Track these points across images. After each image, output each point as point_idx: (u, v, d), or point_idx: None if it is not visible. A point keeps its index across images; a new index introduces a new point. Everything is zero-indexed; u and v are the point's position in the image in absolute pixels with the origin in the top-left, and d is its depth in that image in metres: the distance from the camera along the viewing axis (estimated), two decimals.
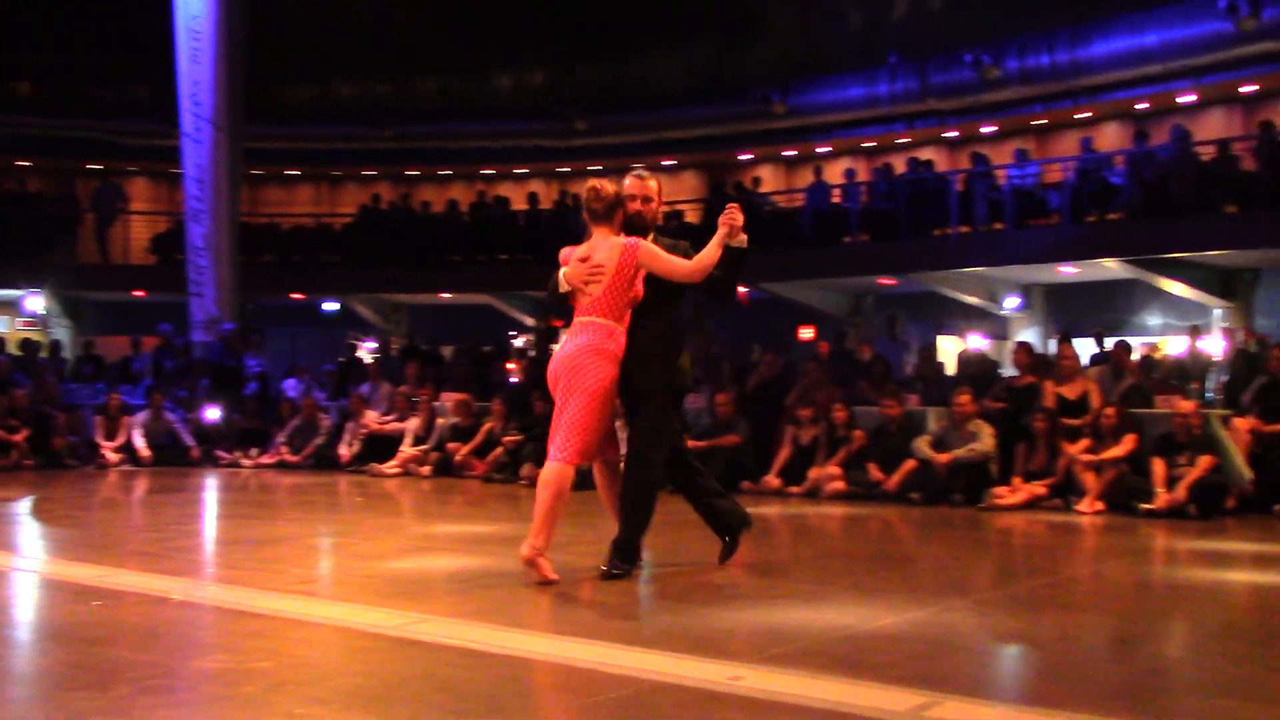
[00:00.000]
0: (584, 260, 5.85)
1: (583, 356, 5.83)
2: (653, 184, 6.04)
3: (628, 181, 6.06)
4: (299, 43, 25.75)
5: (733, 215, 5.75)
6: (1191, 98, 20.38)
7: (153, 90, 23.76)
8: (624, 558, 5.83)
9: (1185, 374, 13.56)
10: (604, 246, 5.83)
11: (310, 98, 27.96)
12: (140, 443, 13.89)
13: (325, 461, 13.83)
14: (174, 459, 13.95)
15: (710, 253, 5.74)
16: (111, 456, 13.77)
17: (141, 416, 14.21)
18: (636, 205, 5.99)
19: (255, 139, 21.68)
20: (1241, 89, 19.94)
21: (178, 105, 18.38)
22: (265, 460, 14.08)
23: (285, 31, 24.48)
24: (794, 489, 10.67)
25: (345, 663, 4.17)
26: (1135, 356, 13.01)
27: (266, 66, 23.22)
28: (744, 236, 5.80)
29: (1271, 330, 17.55)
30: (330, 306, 24.25)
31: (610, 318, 5.82)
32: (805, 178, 23.17)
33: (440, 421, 13.31)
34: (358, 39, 26.57)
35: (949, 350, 18.54)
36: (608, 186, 5.96)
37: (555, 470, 5.79)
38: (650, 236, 6.01)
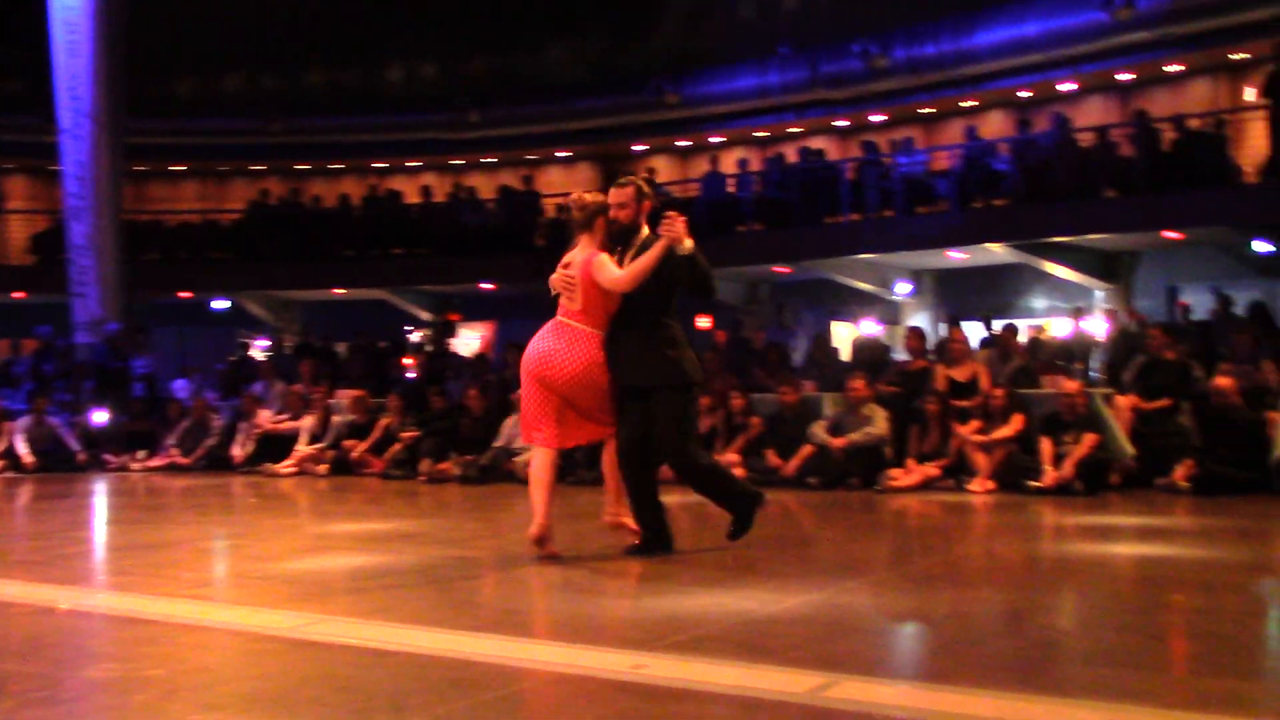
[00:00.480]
0: (565, 267, 6.12)
1: (594, 370, 6.04)
2: (629, 190, 6.14)
3: (611, 191, 6.22)
4: (183, 34, 25.14)
5: (671, 225, 5.87)
6: (1071, 86, 20.96)
7: (28, 85, 22.97)
8: (743, 526, 6.34)
9: (1070, 355, 13.94)
10: (580, 257, 6.07)
11: (195, 91, 27.30)
12: (23, 449, 13.47)
13: (218, 463, 13.55)
14: (59, 464, 13.55)
15: (643, 263, 5.90)
16: None
17: (23, 421, 13.78)
18: (615, 213, 6.13)
19: (138, 134, 21.09)
20: (1118, 77, 20.55)
21: (55, 100, 17.82)
22: (155, 463, 13.75)
23: (168, 23, 23.88)
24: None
25: (241, 667, 4.10)
26: (1022, 339, 13.35)
27: (149, 59, 22.59)
28: (689, 242, 5.93)
29: (1150, 310, 18.17)
30: (220, 304, 23.75)
31: (589, 324, 6.05)
32: (699, 168, 23.32)
33: (336, 419, 13.13)
34: (244, 30, 26.01)
35: (843, 336, 18.84)
36: (588, 197, 6.21)
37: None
38: (639, 238, 6.09)
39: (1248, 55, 18.81)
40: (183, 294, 22.81)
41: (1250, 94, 17.47)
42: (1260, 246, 17.11)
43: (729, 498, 6.43)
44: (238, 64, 27.32)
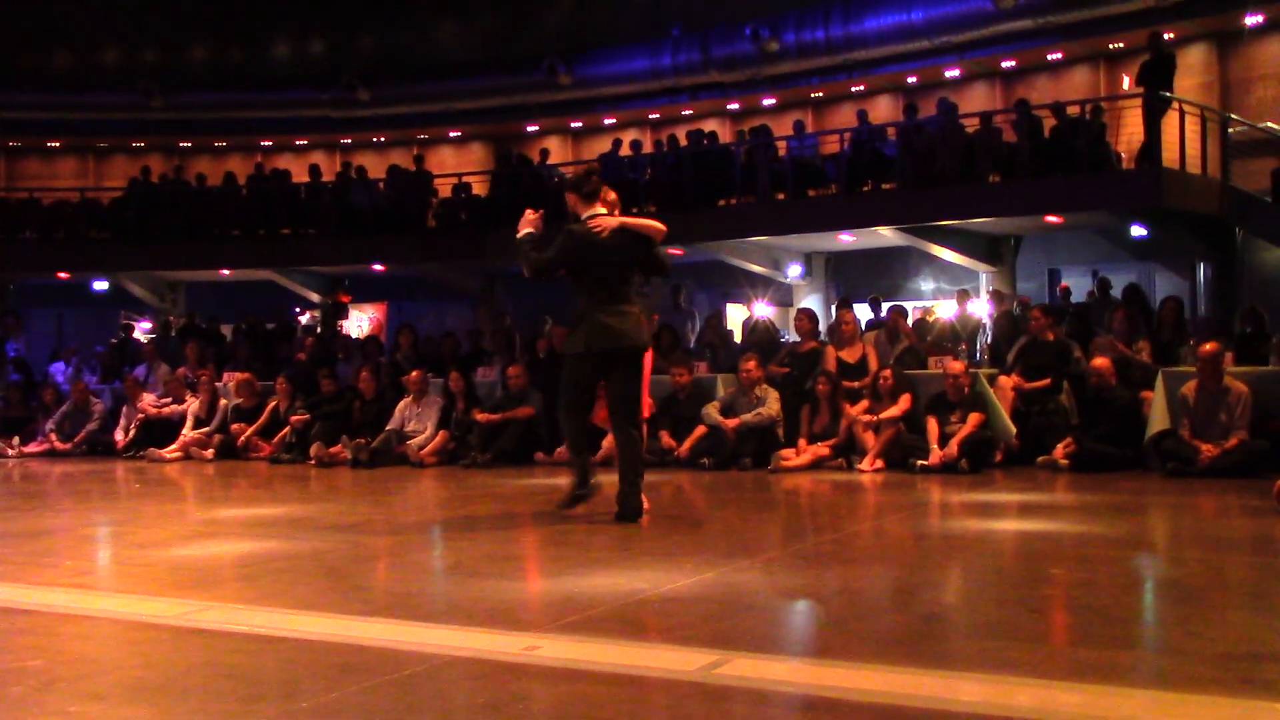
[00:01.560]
0: None
1: None
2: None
3: None
4: (59, 5, 24.28)
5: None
6: (956, 72, 21.39)
7: None
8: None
9: (955, 336, 14.25)
10: None
11: (72, 64, 26.38)
12: None
13: (100, 448, 13.20)
14: None
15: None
16: None
17: None
18: None
19: (12, 108, 20.42)
20: (1002, 64, 21.04)
21: None
22: (31, 449, 13.33)
23: None
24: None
25: (124, 656, 3.99)
26: (910, 320, 13.61)
27: (24, 29, 21.81)
28: (524, 230, 7.02)
29: (1032, 293, 18.67)
30: (100, 285, 23.06)
31: None
32: (592, 149, 23.30)
33: (223, 403, 12.87)
34: (123, 2, 25.22)
35: (736, 318, 18.99)
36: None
37: None
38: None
39: (1124, 45, 19.40)
40: (61, 275, 22.08)
41: (1126, 82, 18.01)
42: (1136, 231, 17.69)
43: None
44: (118, 36, 26.47)
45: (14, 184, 24.20)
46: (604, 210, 6.89)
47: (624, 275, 6.83)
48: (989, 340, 12.36)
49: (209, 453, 12.36)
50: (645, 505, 6.88)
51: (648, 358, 7.09)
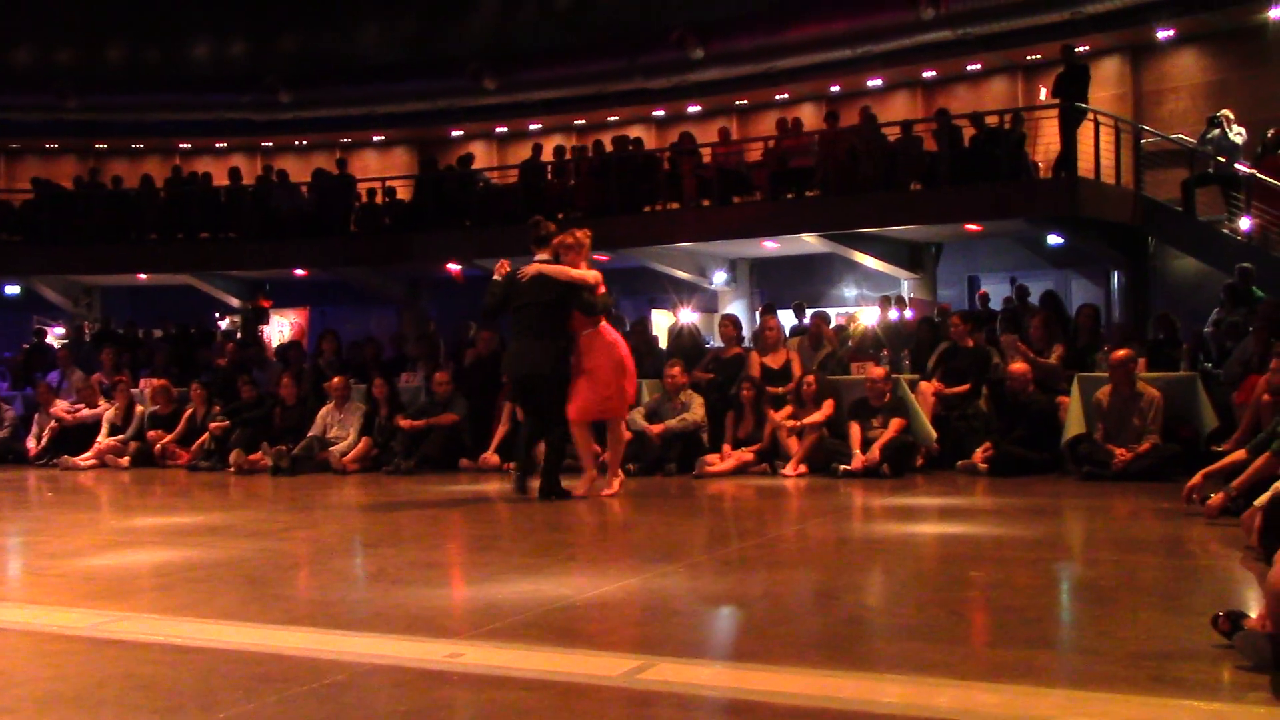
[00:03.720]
0: None
1: None
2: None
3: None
4: None
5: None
6: (878, 82, 21.66)
7: None
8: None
9: (877, 342, 14.41)
10: None
11: None
12: None
13: (10, 456, 12.89)
14: None
15: None
16: None
17: None
18: None
19: None
20: (923, 74, 21.35)
21: None
22: None
23: None
24: (512, 465, 10.67)
25: (35, 668, 3.90)
26: (832, 326, 13.74)
27: None
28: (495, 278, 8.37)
29: (952, 299, 18.95)
30: (11, 289, 22.49)
31: None
32: (518, 154, 23.20)
33: (139, 409, 12.62)
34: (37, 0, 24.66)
35: (661, 324, 19.04)
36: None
37: None
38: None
39: (1041, 56, 19.78)
40: None
41: (1043, 93, 18.36)
42: (1053, 239, 18.05)
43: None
44: (30, 35, 25.84)
45: None
46: (546, 256, 8.23)
47: (541, 313, 8.06)
48: (910, 346, 12.49)
49: (125, 460, 12.11)
50: (581, 490, 8.26)
51: (606, 368, 8.22)
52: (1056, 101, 15.88)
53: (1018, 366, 9.78)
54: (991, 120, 16.71)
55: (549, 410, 8.21)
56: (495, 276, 8.34)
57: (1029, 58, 20.34)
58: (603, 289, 8.26)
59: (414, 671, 3.68)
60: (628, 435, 9.25)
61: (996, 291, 18.66)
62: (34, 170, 24.83)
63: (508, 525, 7.86)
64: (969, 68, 21.07)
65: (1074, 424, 9.35)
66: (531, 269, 8.19)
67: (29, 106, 25.02)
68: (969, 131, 16.57)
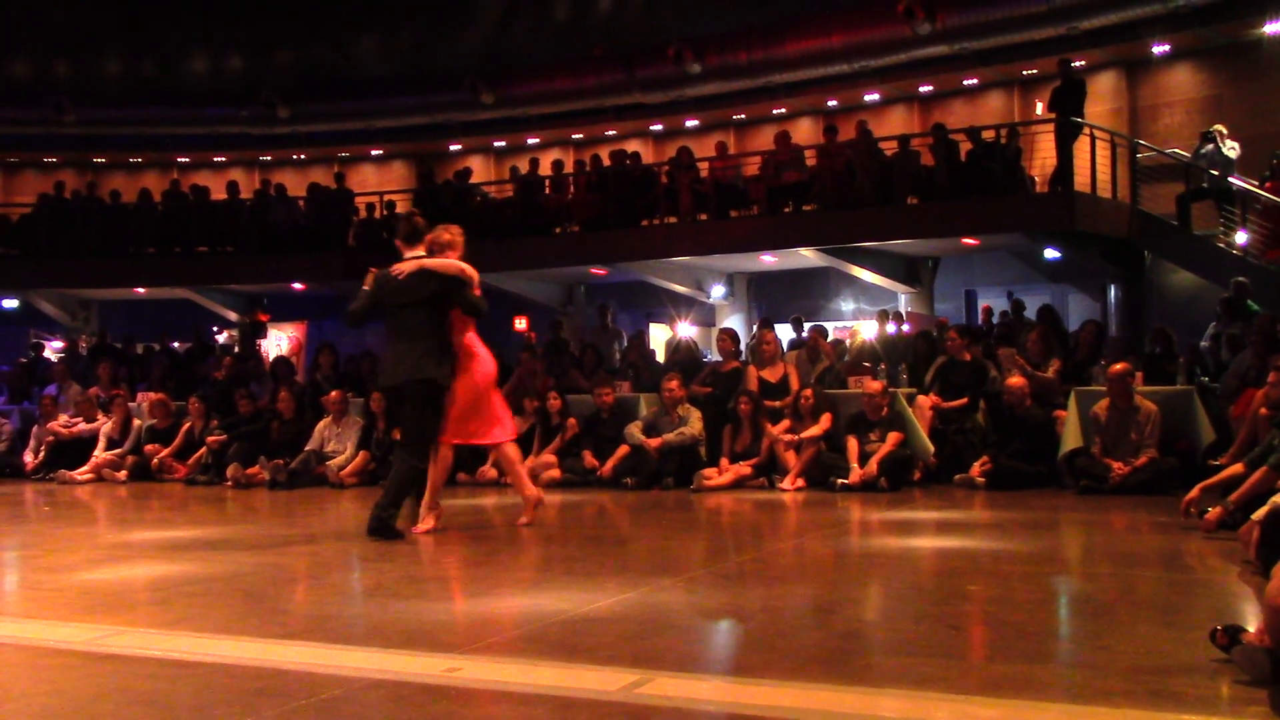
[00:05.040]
0: None
1: None
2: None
3: None
4: None
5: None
6: (875, 96, 21.72)
7: None
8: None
9: (874, 356, 14.43)
10: None
11: None
12: None
13: (7, 470, 12.87)
14: None
15: None
16: None
17: None
18: None
19: None
20: (920, 89, 21.41)
21: None
22: None
23: None
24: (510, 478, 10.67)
25: (31, 683, 3.89)
26: (830, 340, 13.75)
27: None
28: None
29: (949, 313, 18.98)
30: (9, 303, 22.47)
31: None
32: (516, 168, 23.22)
33: (137, 423, 12.61)
34: (34, 12, 24.69)
35: (659, 338, 19.06)
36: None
37: None
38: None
39: (1037, 71, 19.85)
40: None
41: (1040, 108, 18.42)
42: (1050, 253, 18.08)
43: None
44: (27, 48, 25.89)
45: None
46: (422, 252, 7.24)
47: (420, 313, 7.13)
48: (907, 360, 12.51)
49: (122, 474, 12.10)
50: (418, 530, 7.22)
51: (468, 385, 7.29)
52: (1053, 116, 15.93)
53: (1015, 380, 9.79)
54: (988, 135, 16.76)
55: (414, 427, 7.20)
56: (364, 287, 7.33)
57: (1025, 72, 20.42)
58: (479, 291, 7.34)
59: (412, 686, 3.67)
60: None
61: (993, 305, 18.68)
62: (32, 183, 24.86)
63: (505, 540, 7.85)
64: (965, 82, 21.14)
65: (1071, 438, 9.36)
66: (409, 265, 7.17)
67: (27, 120, 25.06)
68: (966, 146, 16.61)
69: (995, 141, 16.56)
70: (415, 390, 7.11)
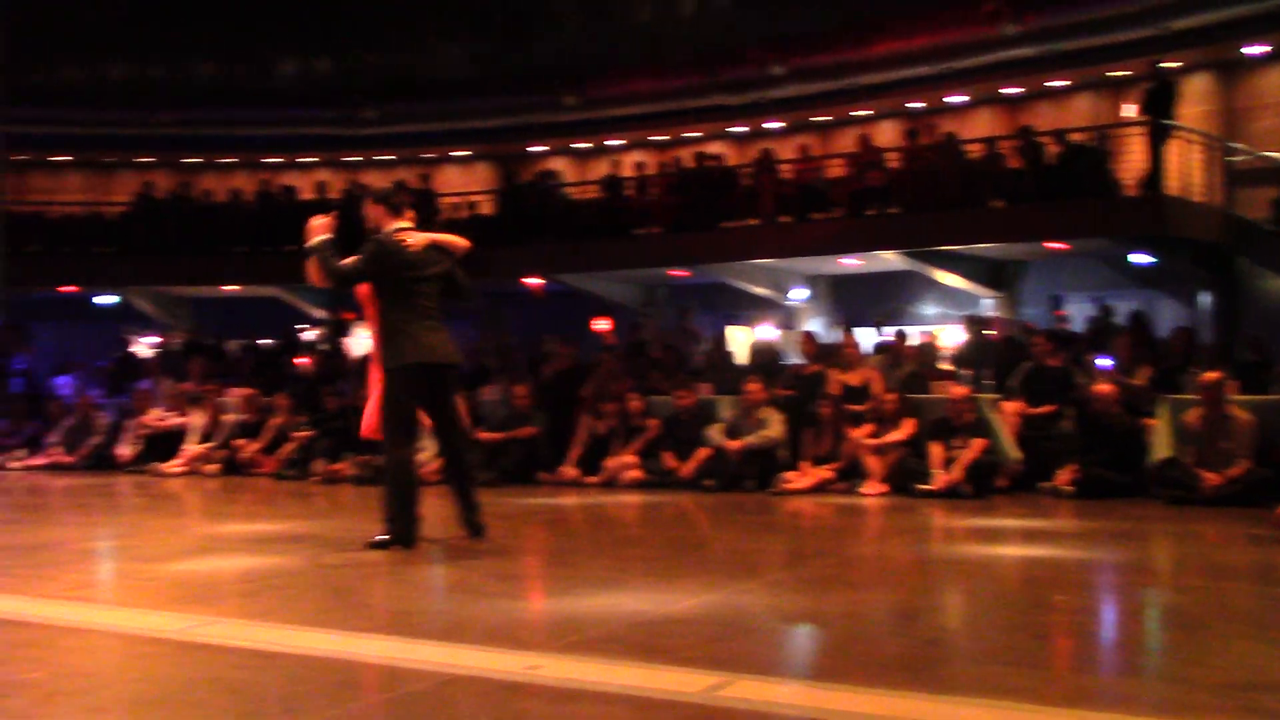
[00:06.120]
0: None
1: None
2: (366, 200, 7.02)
3: None
4: (67, 20, 24.38)
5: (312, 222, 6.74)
6: (960, 98, 21.46)
7: None
8: (383, 543, 6.45)
9: (959, 360, 14.26)
10: None
11: (79, 79, 26.46)
12: None
13: (104, 462, 13.21)
14: None
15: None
16: None
17: None
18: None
19: (19, 122, 20.45)
20: (1005, 91, 21.11)
21: None
22: (36, 462, 13.33)
23: (52, 7, 23.16)
24: (591, 479, 10.75)
25: (125, 670, 4.00)
26: (913, 344, 13.61)
27: (32, 45, 21.91)
28: (317, 238, 6.64)
29: (1036, 318, 18.65)
30: (105, 300, 23.08)
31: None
32: (597, 170, 23.33)
33: (226, 418, 12.87)
34: (130, 17, 25.32)
35: (739, 340, 19.00)
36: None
37: None
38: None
39: (1128, 72, 19.46)
40: (66, 288, 22.11)
41: (1129, 110, 18.06)
42: (1139, 258, 17.70)
43: (391, 510, 6.51)
44: (124, 52, 26.56)
45: (21, 198, 24.20)
46: (409, 225, 6.76)
47: (434, 291, 6.67)
48: (992, 365, 12.34)
49: (212, 468, 12.36)
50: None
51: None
52: (1143, 118, 15.62)
53: (1103, 387, 9.61)
54: (1076, 137, 16.46)
55: (459, 415, 6.92)
56: (321, 236, 6.61)
57: (1114, 74, 20.01)
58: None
59: (492, 683, 3.70)
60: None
61: (1080, 311, 18.35)
62: (128, 184, 25.45)
63: (586, 539, 7.89)
64: (1052, 84, 20.77)
65: (1162, 446, 9.17)
66: (419, 237, 6.66)
67: (123, 121, 25.68)
68: (1052, 148, 16.35)
69: (1083, 144, 16.27)
70: (453, 377, 6.82)
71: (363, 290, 6.76)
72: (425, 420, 6.86)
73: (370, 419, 6.87)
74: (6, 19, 17.53)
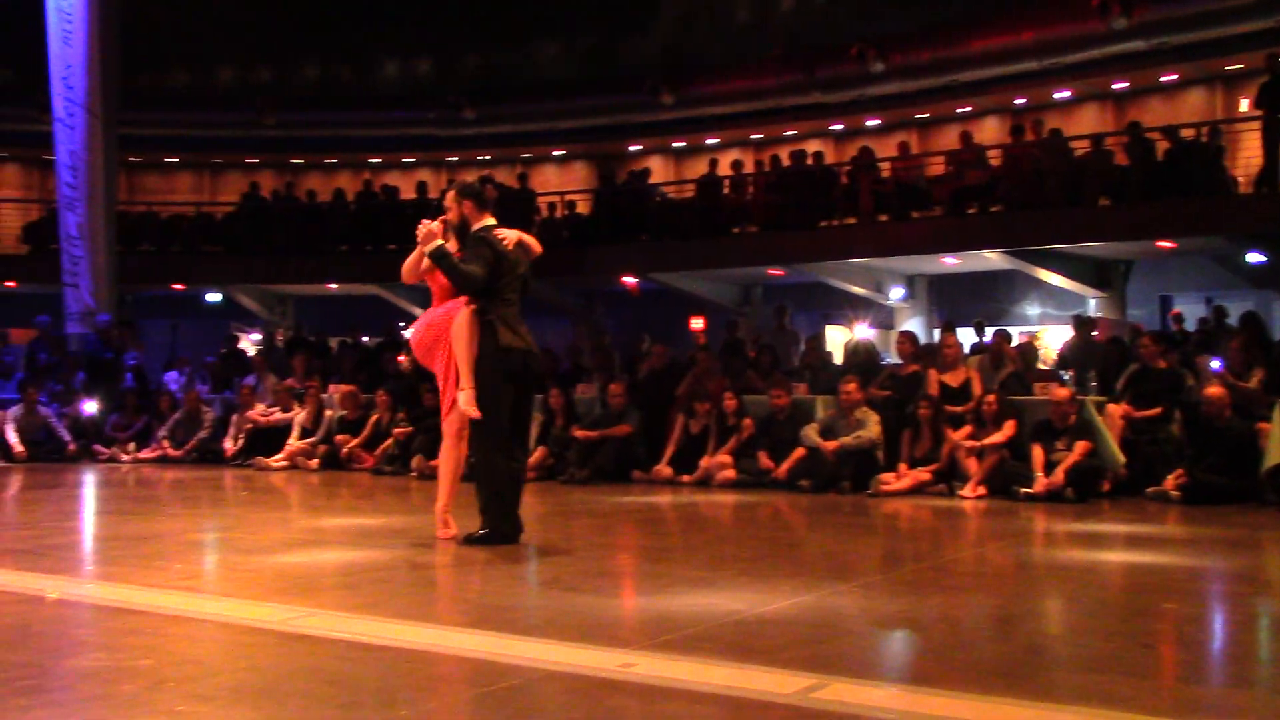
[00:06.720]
0: None
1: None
2: (450, 195, 6.91)
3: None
4: (176, 26, 25.08)
5: (419, 229, 6.62)
6: (1066, 94, 21.00)
7: (22, 73, 22.93)
8: (482, 538, 6.51)
9: (1063, 362, 13.96)
10: None
11: (189, 83, 27.23)
12: (13, 438, 13.44)
13: (209, 456, 13.54)
14: (49, 455, 13.52)
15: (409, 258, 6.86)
16: None
17: (14, 411, 13.75)
18: (446, 215, 6.87)
19: (132, 125, 21.06)
20: (1114, 86, 20.61)
21: (49, 89, 17.77)
22: (145, 455, 13.72)
23: (162, 14, 23.84)
24: (685, 478, 10.74)
25: (229, 659, 4.09)
26: (1015, 344, 13.36)
27: (143, 50, 22.57)
28: (435, 243, 6.53)
29: (1143, 319, 18.21)
30: (213, 297, 23.69)
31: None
32: (694, 168, 23.30)
33: (328, 414, 13.11)
34: (237, 23, 25.96)
35: (836, 339, 18.84)
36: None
37: None
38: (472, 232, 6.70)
39: (1242, 66, 18.87)
40: (176, 286, 22.76)
41: (1245, 105, 17.53)
42: (1253, 257, 17.16)
43: (487, 506, 6.55)
44: (231, 56, 27.25)
45: (134, 198, 24.96)
46: (493, 221, 6.71)
47: (519, 288, 6.66)
48: (1097, 367, 12.05)
49: (314, 463, 12.60)
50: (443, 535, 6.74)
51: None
52: (1259, 113, 15.13)
53: (1214, 390, 9.34)
54: (1187, 133, 16.02)
55: (530, 414, 6.98)
56: (438, 242, 6.52)
57: (1228, 68, 19.41)
58: None
59: (587, 679, 3.71)
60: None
61: (1191, 312, 17.87)
62: (235, 184, 26.12)
63: (680, 537, 7.89)
64: (1163, 79, 20.23)
65: (1275, 452, 8.87)
66: (512, 235, 6.66)
67: (231, 123, 26.33)
68: (1163, 145, 15.93)
69: (1195, 140, 15.82)
70: (539, 374, 6.82)
71: (441, 281, 6.71)
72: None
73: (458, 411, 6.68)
74: (119, 26, 18.06)
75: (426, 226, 6.61)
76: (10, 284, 21.83)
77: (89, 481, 11.71)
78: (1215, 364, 10.79)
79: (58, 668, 3.95)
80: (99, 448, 13.90)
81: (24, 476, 12.00)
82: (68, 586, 5.44)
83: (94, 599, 5.21)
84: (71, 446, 13.74)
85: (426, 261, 6.64)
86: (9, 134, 24.68)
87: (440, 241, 6.54)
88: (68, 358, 16.28)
